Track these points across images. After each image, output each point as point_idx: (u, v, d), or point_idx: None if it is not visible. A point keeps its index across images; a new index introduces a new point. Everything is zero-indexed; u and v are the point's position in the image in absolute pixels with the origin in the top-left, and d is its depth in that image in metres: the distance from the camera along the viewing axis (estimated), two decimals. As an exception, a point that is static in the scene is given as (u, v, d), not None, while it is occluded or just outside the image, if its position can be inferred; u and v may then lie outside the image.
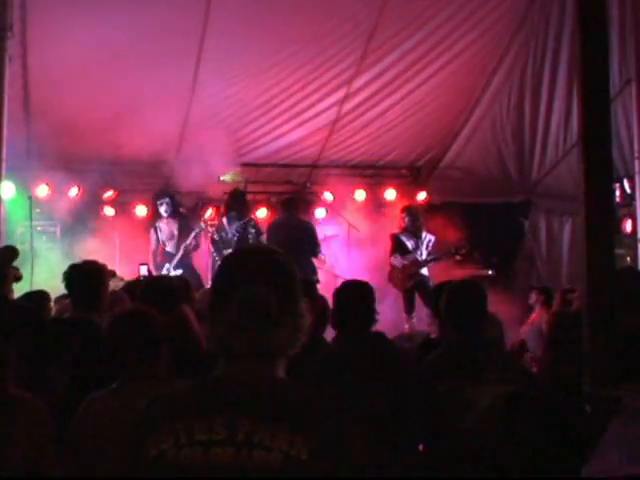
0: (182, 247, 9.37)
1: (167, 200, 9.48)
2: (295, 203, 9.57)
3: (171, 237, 9.53)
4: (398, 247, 9.54)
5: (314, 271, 9.00)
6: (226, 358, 1.77)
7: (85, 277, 4.28)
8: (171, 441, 1.66)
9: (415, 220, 9.67)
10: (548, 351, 3.85)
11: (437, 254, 9.55)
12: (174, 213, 9.58)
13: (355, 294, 3.90)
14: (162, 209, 9.53)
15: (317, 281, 8.44)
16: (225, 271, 1.86)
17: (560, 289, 7.65)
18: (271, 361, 1.75)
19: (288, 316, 1.75)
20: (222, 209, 9.71)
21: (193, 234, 9.39)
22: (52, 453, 2.70)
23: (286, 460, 1.60)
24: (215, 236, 9.33)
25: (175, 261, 9.34)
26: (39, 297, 5.31)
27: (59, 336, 3.95)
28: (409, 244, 9.54)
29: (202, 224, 9.57)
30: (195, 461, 1.64)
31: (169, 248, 9.53)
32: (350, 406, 1.73)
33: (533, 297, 7.97)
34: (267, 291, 1.73)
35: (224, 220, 9.37)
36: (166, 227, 9.59)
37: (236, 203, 9.32)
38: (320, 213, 10.73)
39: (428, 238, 9.64)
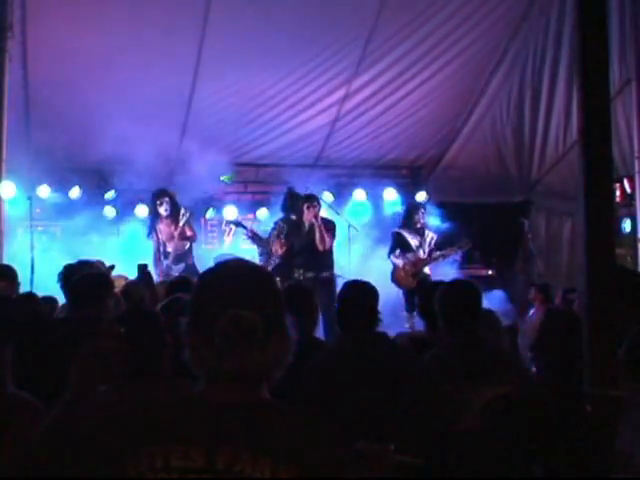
0: (177, 242, 9.33)
1: (167, 199, 9.42)
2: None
3: (171, 238, 9.47)
4: (400, 245, 9.45)
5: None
6: (209, 379, 1.69)
7: (80, 277, 4.28)
8: (147, 464, 1.59)
9: (421, 218, 9.60)
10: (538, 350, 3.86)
11: (441, 251, 9.45)
12: (173, 213, 9.53)
13: (357, 295, 3.89)
14: (162, 209, 9.44)
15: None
16: (206, 290, 1.75)
17: (561, 289, 7.64)
18: (257, 384, 1.69)
19: (274, 336, 1.68)
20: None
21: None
22: (50, 454, 2.69)
23: None
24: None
25: (171, 258, 9.32)
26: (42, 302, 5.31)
27: (54, 336, 3.95)
28: (412, 242, 9.45)
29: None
30: None
31: (170, 249, 9.49)
32: (334, 428, 1.66)
33: (532, 293, 7.97)
34: (253, 312, 1.65)
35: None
36: (166, 228, 9.55)
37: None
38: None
39: (431, 236, 9.55)
